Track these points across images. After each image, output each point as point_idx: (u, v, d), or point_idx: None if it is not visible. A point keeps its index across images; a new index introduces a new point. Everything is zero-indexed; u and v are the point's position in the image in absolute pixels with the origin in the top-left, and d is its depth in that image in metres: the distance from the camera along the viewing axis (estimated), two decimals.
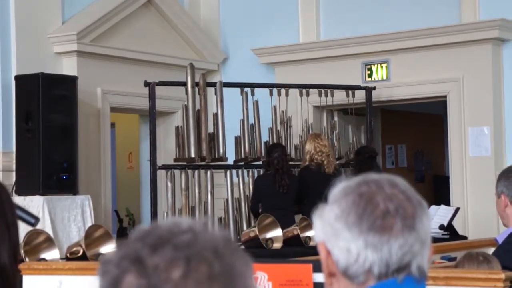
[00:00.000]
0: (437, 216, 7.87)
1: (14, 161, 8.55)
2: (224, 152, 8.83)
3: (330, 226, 1.68)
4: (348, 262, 1.65)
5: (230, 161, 9.03)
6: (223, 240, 1.27)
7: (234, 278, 1.24)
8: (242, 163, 9.05)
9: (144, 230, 1.27)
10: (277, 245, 7.09)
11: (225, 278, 1.23)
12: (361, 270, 1.64)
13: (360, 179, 1.71)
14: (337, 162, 9.30)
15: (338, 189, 1.71)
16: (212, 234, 1.27)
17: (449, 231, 7.88)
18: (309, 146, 8.51)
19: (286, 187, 8.16)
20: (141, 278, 1.21)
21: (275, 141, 9.24)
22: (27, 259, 5.48)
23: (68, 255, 6.05)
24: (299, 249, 6.86)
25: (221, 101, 8.92)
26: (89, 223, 8.16)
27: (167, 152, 9.69)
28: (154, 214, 8.53)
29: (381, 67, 9.99)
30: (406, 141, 12.73)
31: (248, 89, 9.12)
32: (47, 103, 8.34)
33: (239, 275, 1.25)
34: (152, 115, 8.65)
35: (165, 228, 1.26)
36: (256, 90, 9.14)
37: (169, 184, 8.65)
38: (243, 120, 9.10)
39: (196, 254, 1.22)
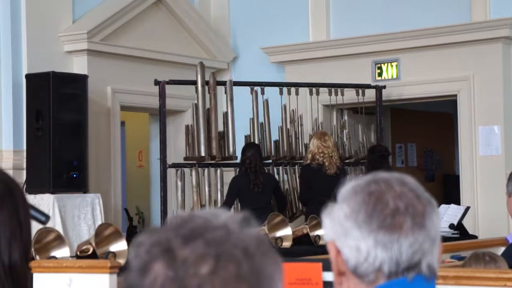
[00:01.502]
0: (447, 215, 7.85)
1: (24, 160, 8.58)
2: (234, 150, 8.84)
3: (339, 225, 1.68)
4: (358, 261, 1.65)
5: (239, 160, 9.04)
6: (255, 240, 1.26)
7: (261, 281, 1.23)
8: None
9: (180, 218, 1.27)
10: (287, 244, 7.09)
11: (253, 280, 1.22)
12: (371, 269, 1.64)
13: (369, 178, 1.71)
14: (347, 161, 9.31)
15: (347, 188, 1.71)
16: (246, 233, 1.26)
17: (459, 230, 7.87)
18: (312, 145, 8.52)
19: (261, 185, 8.22)
20: (168, 268, 1.21)
21: (285, 140, 9.25)
22: (37, 257, 5.50)
23: (78, 253, 6.06)
24: (308, 248, 6.86)
25: (231, 99, 8.92)
26: (99, 221, 8.18)
27: (177, 151, 9.70)
28: (164, 212, 8.54)
29: (391, 66, 9.98)
30: (416, 140, 12.71)
31: (258, 88, 9.13)
32: (58, 101, 8.36)
33: (267, 278, 1.24)
34: (162, 114, 8.66)
35: (200, 221, 1.26)
36: (266, 89, 9.15)
37: (179, 183, 8.66)
38: (253, 119, 9.11)
39: (226, 253, 1.22)
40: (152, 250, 1.23)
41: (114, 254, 5.89)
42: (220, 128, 8.89)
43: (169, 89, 8.76)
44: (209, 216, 1.27)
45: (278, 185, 8.74)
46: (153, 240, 1.25)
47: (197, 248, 1.21)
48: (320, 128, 9.46)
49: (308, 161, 8.54)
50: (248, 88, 9.11)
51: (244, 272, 1.21)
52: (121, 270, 4.45)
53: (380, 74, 10.04)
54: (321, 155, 8.43)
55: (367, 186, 1.69)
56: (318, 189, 8.01)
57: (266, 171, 8.75)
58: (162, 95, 8.64)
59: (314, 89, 9.45)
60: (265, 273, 1.24)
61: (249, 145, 8.61)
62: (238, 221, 1.27)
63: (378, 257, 1.63)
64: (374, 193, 1.67)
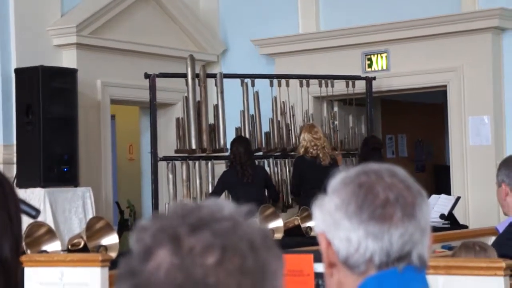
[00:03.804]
0: (437, 205, 7.87)
1: (15, 154, 8.56)
2: (225, 143, 8.83)
3: (330, 216, 1.68)
4: (348, 252, 1.65)
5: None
6: (260, 235, 1.25)
7: (265, 276, 1.23)
8: None
9: (186, 207, 1.26)
10: (278, 235, 7.10)
11: (256, 274, 1.22)
12: (362, 260, 1.64)
13: (359, 170, 1.71)
14: (337, 152, 9.31)
15: (337, 180, 1.71)
16: (251, 227, 1.25)
17: (450, 220, 7.89)
18: (304, 139, 8.52)
19: (250, 177, 8.21)
20: (174, 256, 1.20)
21: (275, 132, 9.25)
22: (28, 251, 5.49)
23: (69, 247, 6.06)
24: (300, 240, 6.87)
25: (221, 92, 8.92)
26: (90, 215, 8.17)
27: (167, 144, 9.69)
28: (155, 205, 8.54)
29: (381, 57, 9.99)
30: (406, 131, 12.74)
31: (248, 80, 9.12)
32: (47, 95, 8.34)
33: (270, 274, 1.24)
34: (152, 107, 8.65)
35: (207, 211, 1.25)
36: (256, 81, 9.14)
37: (170, 176, 8.66)
38: (243, 111, 9.11)
39: (232, 245, 1.21)
40: (158, 236, 1.22)
41: (106, 248, 5.88)
42: (211, 120, 8.89)
43: (159, 82, 8.74)
44: (216, 206, 1.26)
45: (268, 177, 8.73)
46: (159, 226, 1.23)
47: (204, 238, 1.20)
48: (311, 120, 9.46)
49: (301, 154, 8.54)
50: (238, 81, 9.11)
51: (249, 265, 1.21)
52: (113, 264, 4.44)
53: (370, 66, 10.04)
54: (314, 147, 8.44)
55: (357, 177, 1.69)
56: (312, 181, 8.01)
57: (257, 164, 8.75)
58: (152, 88, 8.62)
59: (304, 81, 9.45)
60: (269, 269, 1.24)
61: (234, 140, 8.60)
62: (244, 214, 1.26)
63: (369, 248, 1.63)
64: (364, 184, 1.67)
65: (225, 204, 1.28)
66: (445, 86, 9.68)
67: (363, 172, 1.70)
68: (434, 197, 7.93)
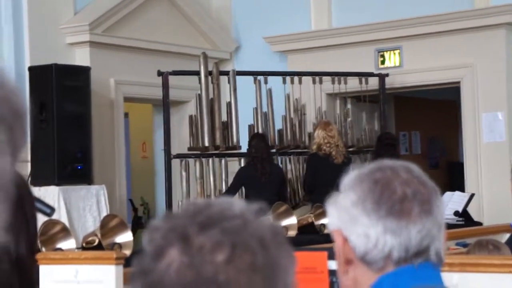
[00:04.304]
0: (452, 202, 7.85)
1: (29, 152, 8.58)
2: (238, 140, 8.84)
3: (346, 213, 1.68)
4: (367, 248, 1.65)
5: (244, 149, 9.04)
6: (271, 232, 1.25)
7: (275, 273, 1.23)
8: None
9: (196, 206, 1.27)
10: (292, 233, 7.10)
11: (267, 271, 1.22)
12: (380, 255, 1.64)
13: (374, 166, 1.72)
14: (350, 149, 9.30)
15: (352, 177, 1.72)
16: (262, 224, 1.25)
17: (464, 217, 7.87)
18: (317, 136, 8.51)
19: (267, 174, 8.19)
20: (184, 255, 1.21)
21: (288, 129, 9.24)
22: (43, 249, 5.51)
23: (84, 244, 6.08)
24: (313, 237, 6.87)
25: (234, 89, 8.92)
26: (104, 213, 8.19)
27: (181, 141, 9.71)
28: (168, 203, 8.55)
29: (394, 53, 9.96)
30: (420, 128, 12.70)
31: (261, 77, 9.12)
32: (61, 93, 8.37)
33: (281, 270, 1.24)
34: (165, 105, 8.66)
35: (217, 209, 1.25)
36: (269, 78, 9.14)
37: (184, 173, 8.67)
38: (256, 109, 9.11)
39: (242, 242, 1.21)
40: (168, 236, 1.23)
41: (120, 245, 5.90)
42: (224, 118, 8.89)
43: (172, 79, 8.75)
44: (226, 204, 1.27)
45: (284, 178, 8.71)
46: (169, 226, 1.24)
47: (213, 236, 1.21)
48: (323, 117, 9.45)
49: (314, 150, 8.54)
50: (251, 78, 9.10)
51: (259, 262, 1.21)
52: (127, 261, 4.46)
53: (383, 62, 10.02)
54: (327, 145, 8.43)
55: (372, 173, 1.70)
56: (325, 178, 8.00)
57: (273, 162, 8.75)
58: (165, 86, 8.64)
59: (317, 78, 9.44)
60: (280, 266, 1.24)
61: (254, 135, 8.63)
62: (255, 211, 1.27)
63: (388, 244, 1.64)
64: (380, 180, 1.68)
65: (235, 202, 1.28)
66: (459, 82, 9.65)
67: (378, 168, 1.71)
68: (448, 194, 7.92)
